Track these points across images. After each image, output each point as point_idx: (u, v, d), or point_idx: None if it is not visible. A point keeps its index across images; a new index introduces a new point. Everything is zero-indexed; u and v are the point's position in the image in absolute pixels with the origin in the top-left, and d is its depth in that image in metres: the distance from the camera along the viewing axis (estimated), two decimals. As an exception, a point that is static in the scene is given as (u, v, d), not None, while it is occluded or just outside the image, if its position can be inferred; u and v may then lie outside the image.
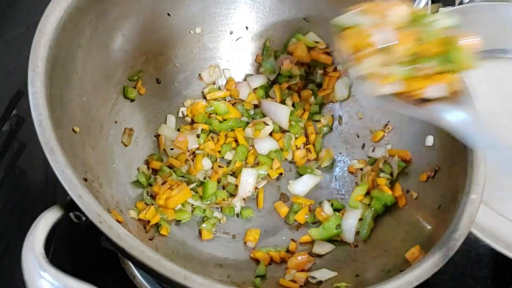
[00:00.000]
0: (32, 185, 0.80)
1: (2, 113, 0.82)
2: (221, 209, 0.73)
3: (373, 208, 0.69)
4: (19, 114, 0.82)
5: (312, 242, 0.70)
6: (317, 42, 0.79)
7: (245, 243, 0.70)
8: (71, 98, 0.59)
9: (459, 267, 0.81)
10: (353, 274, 0.63)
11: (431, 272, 0.52)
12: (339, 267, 0.65)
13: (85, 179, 0.57)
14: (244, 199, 0.75)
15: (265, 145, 0.78)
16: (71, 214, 0.48)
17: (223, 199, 0.73)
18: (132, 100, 0.72)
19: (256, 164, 0.77)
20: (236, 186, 0.74)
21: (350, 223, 0.69)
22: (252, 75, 0.82)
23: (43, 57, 0.51)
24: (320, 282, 0.63)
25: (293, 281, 0.63)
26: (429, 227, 0.61)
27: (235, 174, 0.76)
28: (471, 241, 0.80)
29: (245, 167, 0.76)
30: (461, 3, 0.95)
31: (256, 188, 0.76)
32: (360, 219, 0.69)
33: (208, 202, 0.71)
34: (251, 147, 0.78)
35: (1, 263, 0.72)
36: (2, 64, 0.87)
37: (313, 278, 0.63)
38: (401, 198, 0.69)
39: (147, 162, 0.72)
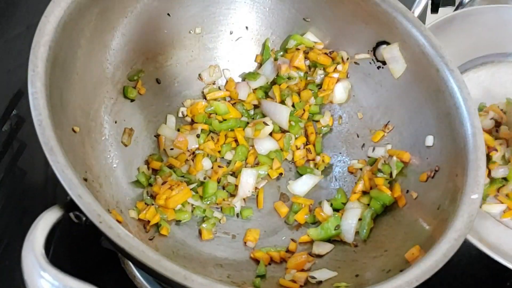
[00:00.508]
0: (32, 185, 0.81)
1: (2, 113, 0.82)
2: (221, 209, 0.73)
3: (372, 208, 0.69)
4: (19, 114, 0.83)
5: (312, 242, 0.70)
6: (315, 43, 0.79)
7: (245, 243, 0.70)
8: (71, 98, 0.59)
9: (459, 267, 0.81)
10: (353, 274, 0.63)
11: (431, 272, 0.52)
12: (339, 267, 0.65)
13: (85, 179, 0.57)
14: (244, 199, 0.74)
15: (265, 145, 0.77)
16: (71, 214, 0.48)
17: (223, 199, 0.73)
18: (132, 100, 0.72)
19: (256, 164, 0.77)
20: (236, 186, 0.74)
21: (350, 223, 0.69)
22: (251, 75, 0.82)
23: (43, 57, 0.51)
24: (320, 282, 0.62)
25: (293, 281, 0.63)
26: (429, 227, 0.61)
27: (235, 174, 0.76)
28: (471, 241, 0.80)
29: (245, 167, 0.76)
30: (460, 3, 0.95)
31: (256, 188, 0.76)
32: (360, 219, 0.69)
33: (208, 202, 0.71)
34: (251, 147, 0.78)
35: (1, 263, 0.72)
36: (2, 64, 0.87)
37: (313, 278, 0.63)
38: (401, 198, 0.69)
39: (147, 162, 0.72)
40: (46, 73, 0.50)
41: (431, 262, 0.52)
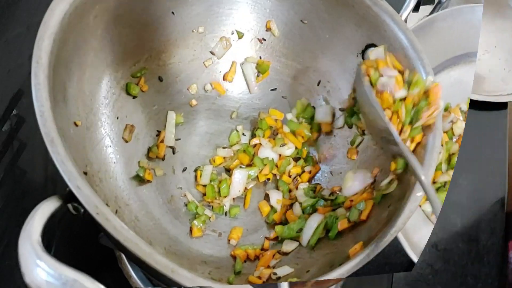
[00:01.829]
0: (32, 185, 0.80)
1: (2, 113, 0.82)
2: (212, 208, 0.73)
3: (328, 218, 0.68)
4: (19, 114, 0.83)
5: (281, 241, 0.70)
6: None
7: (229, 241, 0.71)
8: (74, 92, 0.59)
9: (460, 266, 0.81)
10: (305, 270, 0.63)
11: (361, 264, 0.54)
12: (297, 263, 0.66)
13: (85, 173, 0.57)
14: (233, 198, 0.75)
15: (266, 153, 0.77)
16: (69, 206, 0.48)
17: (215, 198, 0.73)
18: (134, 97, 0.72)
19: (249, 165, 0.77)
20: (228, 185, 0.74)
21: (309, 227, 0.68)
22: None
23: (47, 50, 0.51)
24: (279, 278, 0.63)
25: (259, 277, 0.64)
26: (377, 225, 0.61)
27: (229, 172, 0.76)
28: (471, 241, 0.81)
29: (239, 167, 0.76)
30: (439, 2, 0.96)
31: (246, 188, 0.76)
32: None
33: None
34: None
35: (1, 263, 0.72)
36: (2, 64, 0.87)
37: (275, 274, 0.63)
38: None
39: (148, 157, 0.73)
40: (49, 65, 0.51)
41: (364, 256, 0.54)
